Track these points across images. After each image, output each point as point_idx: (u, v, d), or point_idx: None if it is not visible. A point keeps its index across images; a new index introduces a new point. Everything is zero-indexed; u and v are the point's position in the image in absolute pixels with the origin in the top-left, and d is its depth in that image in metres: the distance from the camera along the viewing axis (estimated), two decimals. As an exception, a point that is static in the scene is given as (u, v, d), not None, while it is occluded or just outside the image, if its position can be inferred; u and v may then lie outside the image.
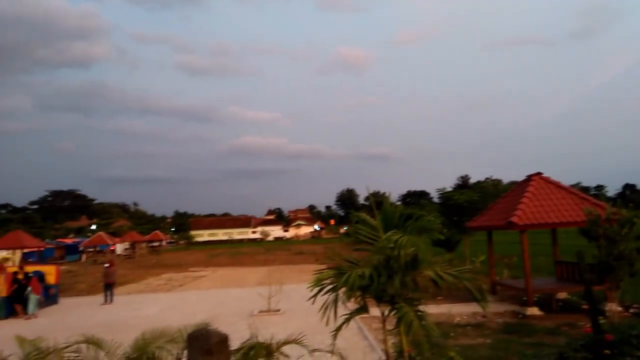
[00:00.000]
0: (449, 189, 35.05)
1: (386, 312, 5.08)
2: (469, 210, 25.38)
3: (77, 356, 5.33)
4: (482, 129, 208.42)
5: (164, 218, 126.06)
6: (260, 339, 5.63)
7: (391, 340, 5.54)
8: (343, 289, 4.94)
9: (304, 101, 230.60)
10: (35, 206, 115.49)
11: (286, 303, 15.58)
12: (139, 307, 17.41)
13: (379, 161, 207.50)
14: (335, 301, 4.78)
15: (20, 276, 17.34)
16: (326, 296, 5.09)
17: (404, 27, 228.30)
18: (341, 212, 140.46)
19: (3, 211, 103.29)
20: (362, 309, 5.26)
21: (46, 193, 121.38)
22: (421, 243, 4.69)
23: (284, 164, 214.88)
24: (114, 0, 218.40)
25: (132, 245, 62.44)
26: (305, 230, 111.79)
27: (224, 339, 4.88)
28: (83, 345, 5.46)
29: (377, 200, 5.89)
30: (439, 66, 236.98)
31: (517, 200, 14.61)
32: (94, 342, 5.45)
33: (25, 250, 36.04)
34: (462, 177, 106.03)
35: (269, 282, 16.12)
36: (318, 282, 5.05)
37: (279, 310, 14.88)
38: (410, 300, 4.80)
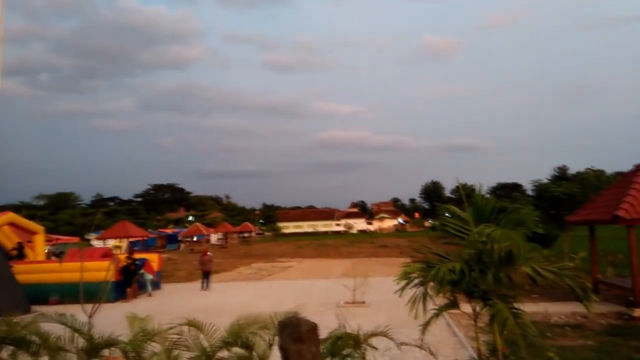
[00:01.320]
0: (545, 181, 32.94)
1: (478, 309, 4.92)
2: (568, 203, 23.71)
3: (180, 337, 5.76)
4: (582, 116, 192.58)
5: (253, 210, 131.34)
6: (348, 330, 5.71)
7: (483, 337, 5.36)
8: (431, 283, 4.86)
9: (387, 92, 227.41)
10: (139, 199, 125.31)
11: (371, 295, 15.60)
12: (232, 294, 18.36)
13: (466, 152, 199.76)
14: (424, 295, 4.71)
15: (128, 261, 19.01)
16: (413, 290, 5.04)
17: (494, 11, 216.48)
18: (426, 205, 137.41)
19: (111, 203, 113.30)
20: (452, 305, 5.14)
21: (149, 186, 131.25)
22: (516, 237, 4.47)
23: (367, 156, 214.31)
24: (207, 3, 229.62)
25: (225, 236, 65.86)
26: (389, 223, 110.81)
27: (313, 328, 5.01)
28: (185, 328, 5.89)
29: (466, 192, 5.70)
30: (532, 50, 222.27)
31: (623, 192, 13.38)
32: (195, 325, 5.85)
33: (132, 239, 39.39)
34: (559, 168, 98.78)
35: (354, 274, 16.21)
36: (405, 275, 5.01)
37: (364, 302, 14.94)
38: (505, 296, 4.60)
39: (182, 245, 57.96)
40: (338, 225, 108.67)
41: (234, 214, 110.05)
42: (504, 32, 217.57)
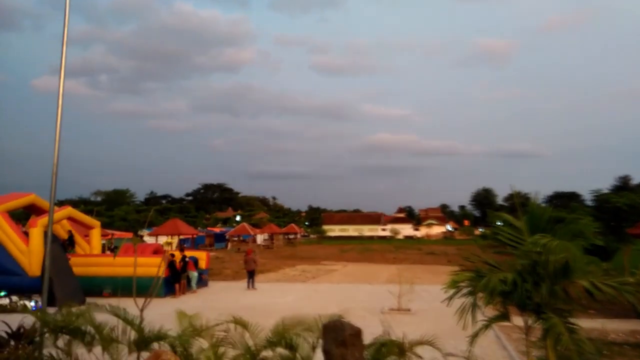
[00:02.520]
0: (606, 191, 31.27)
1: (530, 322, 4.70)
2: (630, 214, 22.37)
3: (226, 335, 5.86)
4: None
5: (298, 212, 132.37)
6: (392, 337, 5.62)
7: (534, 352, 5.12)
8: (481, 294, 4.69)
9: (438, 96, 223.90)
10: (190, 197, 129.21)
11: (417, 303, 15.32)
12: (277, 295, 18.54)
13: (521, 159, 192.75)
14: (473, 305, 4.56)
15: (177, 258, 19.60)
16: (461, 299, 4.88)
17: (553, 13, 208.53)
18: (476, 213, 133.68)
19: (164, 201, 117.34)
20: (503, 316, 4.94)
21: (199, 186, 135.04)
22: (574, 249, 4.24)
23: (416, 161, 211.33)
24: (260, 7, 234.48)
25: (271, 237, 66.69)
26: (437, 230, 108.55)
27: (357, 332, 4.97)
28: (231, 325, 5.99)
29: (520, 200, 5.47)
30: (592, 54, 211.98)
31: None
32: (241, 324, 5.93)
33: (182, 237, 40.60)
34: (621, 178, 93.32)
35: (400, 281, 15.98)
36: (454, 284, 4.87)
37: (409, 310, 14.69)
38: (559, 310, 4.38)
39: (230, 244, 59.17)
40: (384, 230, 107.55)
41: (280, 215, 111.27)
42: (563, 35, 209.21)
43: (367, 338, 5.33)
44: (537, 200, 5.21)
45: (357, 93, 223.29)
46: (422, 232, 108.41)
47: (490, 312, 5.16)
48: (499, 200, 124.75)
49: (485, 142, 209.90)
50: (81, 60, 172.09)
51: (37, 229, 17.35)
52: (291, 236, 75.59)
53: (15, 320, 7.23)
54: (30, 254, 17.10)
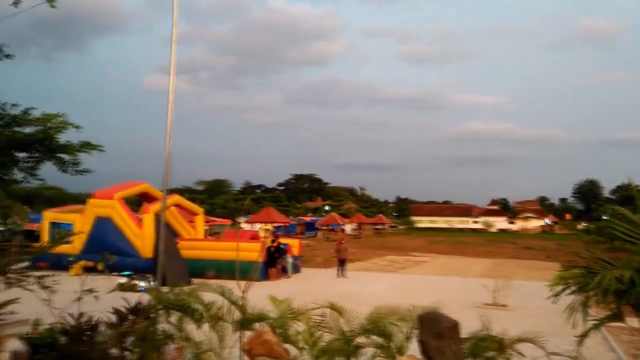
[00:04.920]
0: None
1: (647, 324, 4.36)
2: None
3: (322, 320, 6.08)
4: None
5: (386, 203, 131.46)
6: (491, 332, 5.47)
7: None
8: (590, 292, 4.42)
9: (535, 82, 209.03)
10: (282, 187, 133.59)
11: (514, 299, 14.67)
12: (366, 284, 18.71)
13: (630, 148, 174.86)
14: (585, 304, 4.30)
15: (274, 245, 20.50)
16: (565, 298, 4.63)
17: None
18: (579, 206, 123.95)
19: (258, 190, 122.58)
20: (615, 317, 4.61)
21: (290, 176, 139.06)
22: None
23: (511, 151, 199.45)
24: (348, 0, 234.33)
25: (359, 227, 67.09)
26: (535, 223, 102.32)
27: (455, 325, 4.92)
28: (326, 311, 6.20)
29: (632, 194, 5.03)
30: None
31: None
32: (336, 309, 6.11)
33: (275, 225, 42.26)
34: None
35: (494, 275, 15.38)
36: (561, 281, 4.62)
37: (505, 306, 14.12)
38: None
39: (319, 233, 60.45)
40: (476, 222, 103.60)
41: (368, 205, 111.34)
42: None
43: (462, 332, 5.26)
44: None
45: (447, 81, 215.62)
46: (518, 225, 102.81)
47: (596, 311, 4.84)
48: (607, 192, 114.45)
49: (588, 130, 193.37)
50: (184, 59, 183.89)
51: (149, 214, 19.04)
52: (379, 226, 75.42)
53: (135, 297, 8.05)
54: (143, 237, 18.83)
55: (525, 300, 14.81)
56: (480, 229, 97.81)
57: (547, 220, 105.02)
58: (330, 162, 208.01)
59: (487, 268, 25.05)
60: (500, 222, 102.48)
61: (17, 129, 4.61)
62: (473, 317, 7.22)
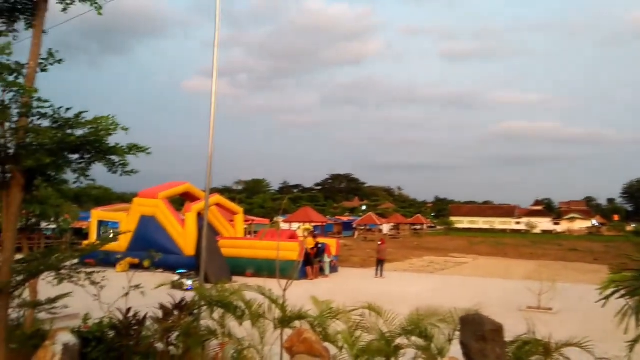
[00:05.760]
0: None
1: None
2: None
3: (362, 320, 6.08)
4: None
5: (424, 203, 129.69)
6: (536, 336, 5.33)
7: None
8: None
9: (581, 79, 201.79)
10: (319, 187, 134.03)
11: (559, 302, 14.21)
12: (405, 285, 18.54)
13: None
14: (637, 308, 4.14)
15: (311, 245, 20.62)
16: (614, 301, 4.45)
17: None
18: (628, 207, 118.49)
19: (295, 190, 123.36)
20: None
21: (327, 176, 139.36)
22: None
23: (556, 150, 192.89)
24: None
25: (396, 227, 66.53)
26: (581, 224, 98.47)
27: (498, 328, 4.83)
28: (366, 310, 6.20)
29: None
30: None
31: None
32: (375, 310, 6.11)
33: (313, 224, 42.46)
34: None
35: (539, 277, 14.92)
36: (611, 284, 4.46)
37: (550, 309, 13.70)
38: None
39: (357, 233, 60.28)
40: (518, 223, 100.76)
41: (405, 205, 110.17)
42: None
43: (506, 335, 5.14)
44: None
45: (488, 79, 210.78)
46: (563, 226, 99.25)
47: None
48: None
49: (638, 128, 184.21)
50: (223, 62, 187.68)
51: (191, 213, 19.53)
52: (417, 227, 74.52)
53: (180, 294, 8.28)
54: (185, 235, 19.32)
55: (572, 304, 14.32)
56: (523, 230, 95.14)
57: (594, 222, 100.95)
58: (367, 162, 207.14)
59: (531, 270, 24.34)
60: (544, 223, 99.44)
61: (69, 131, 4.82)
62: (516, 320, 7.06)
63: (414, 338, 5.70)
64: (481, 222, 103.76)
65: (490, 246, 46.63)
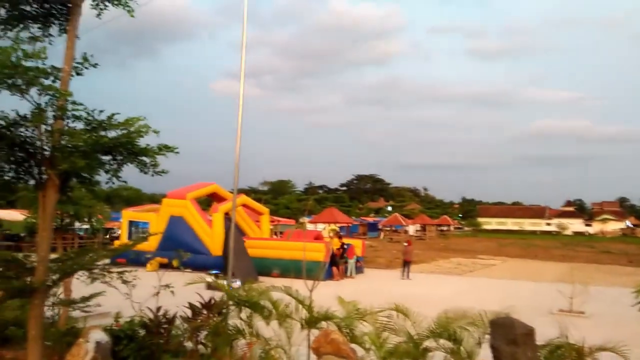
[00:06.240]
0: None
1: None
2: None
3: (389, 321, 6.05)
4: None
5: (451, 204, 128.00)
6: (569, 340, 5.21)
7: None
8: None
9: (616, 76, 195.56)
10: (344, 188, 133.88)
11: (592, 305, 13.82)
12: (432, 286, 18.34)
13: None
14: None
15: (337, 245, 20.60)
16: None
17: None
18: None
19: (320, 191, 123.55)
20: None
21: (352, 177, 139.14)
22: None
23: (588, 149, 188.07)
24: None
25: (423, 228, 65.86)
26: (614, 226, 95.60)
27: (530, 332, 4.74)
28: (393, 312, 6.16)
29: None
30: None
31: None
32: (402, 312, 6.06)
33: (338, 225, 42.45)
34: None
35: (570, 280, 14.53)
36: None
37: (583, 312, 13.33)
38: None
39: (382, 234, 59.94)
40: (549, 224, 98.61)
41: (432, 206, 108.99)
42: None
43: (538, 339, 5.03)
44: None
45: (517, 77, 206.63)
46: (596, 228, 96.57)
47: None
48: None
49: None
50: (249, 63, 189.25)
51: (218, 214, 19.76)
52: (444, 228, 73.62)
53: (208, 293, 8.39)
54: (213, 236, 19.57)
55: (605, 307, 13.92)
56: (554, 231, 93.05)
57: (628, 223, 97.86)
58: (392, 162, 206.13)
59: (562, 273, 23.73)
60: (575, 225, 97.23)
61: (102, 133, 4.93)
62: (548, 323, 6.88)
63: (442, 341, 5.64)
64: (510, 224, 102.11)
65: (519, 248, 45.75)
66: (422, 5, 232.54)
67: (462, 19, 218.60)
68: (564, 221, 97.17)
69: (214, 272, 17.11)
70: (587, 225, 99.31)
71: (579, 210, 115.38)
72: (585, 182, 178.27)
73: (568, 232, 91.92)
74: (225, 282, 7.91)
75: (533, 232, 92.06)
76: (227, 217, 19.42)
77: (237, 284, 14.94)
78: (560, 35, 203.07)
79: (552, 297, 14.90)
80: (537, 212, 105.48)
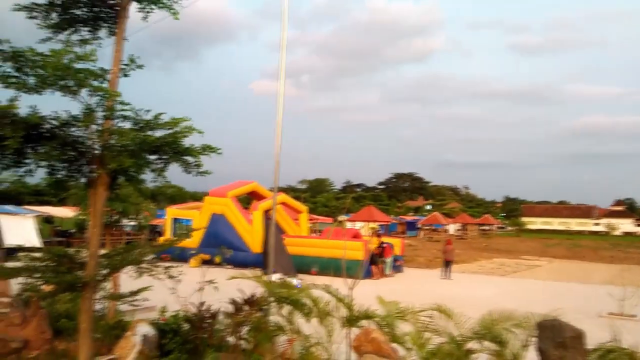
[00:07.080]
0: None
1: None
2: None
3: (431, 321, 5.95)
4: None
5: (493, 202, 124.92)
6: (621, 344, 4.99)
7: None
8: None
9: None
10: (382, 186, 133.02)
11: (645, 309, 13.16)
12: (474, 287, 17.95)
13: None
14: None
15: (375, 244, 20.48)
16: None
17: None
18: None
19: (358, 189, 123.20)
20: None
21: (391, 175, 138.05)
22: None
23: (638, 146, 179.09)
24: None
25: (464, 227, 64.57)
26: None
27: (579, 335, 4.57)
28: (434, 312, 6.06)
29: None
30: None
31: None
32: (444, 312, 5.95)
33: (376, 223, 42.22)
34: None
35: (621, 282, 13.90)
36: None
37: (634, 316, 12.74)
38: None
39: (421, 233, 59.18)
40: (597, 224, 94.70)
41: (473, 205, 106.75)
42: None
43: (587, 343, 4.83)
44: None
45: (562, 72, 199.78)
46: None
47: None
48: None
49: None
50: (288, 63, 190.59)
51: (258, 212, 20.03)
52: (486, 227, 71.87)
53: (249, 289, 8.51)
54: (253, 233, 19.85)
55: (660, 312, 13.20)
56: (603, 231, 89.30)
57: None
58: (432, 160, 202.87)
59: (612, 274, 22.76)
60: (625, 225, 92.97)
61: (149, 132, 5.07)
62: (597, 327, 6.65)
63: (486, 342, 5.50)
64: (556, 223, 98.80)
65: (566, 248, 44.18)
66: (460, 0, 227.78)
67: (502, 14, 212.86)
68: (614, 221, 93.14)
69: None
70: (638, 225, 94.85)
71: (630, 209, 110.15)
72: (635, 180, 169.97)
73: (618, 232, 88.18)
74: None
75: (580, 232, 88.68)
76: (267, 215, 19.65)
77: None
78: (607, 28, 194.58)
79: (601, 300, 14.32)
80: (585, 211, 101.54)
